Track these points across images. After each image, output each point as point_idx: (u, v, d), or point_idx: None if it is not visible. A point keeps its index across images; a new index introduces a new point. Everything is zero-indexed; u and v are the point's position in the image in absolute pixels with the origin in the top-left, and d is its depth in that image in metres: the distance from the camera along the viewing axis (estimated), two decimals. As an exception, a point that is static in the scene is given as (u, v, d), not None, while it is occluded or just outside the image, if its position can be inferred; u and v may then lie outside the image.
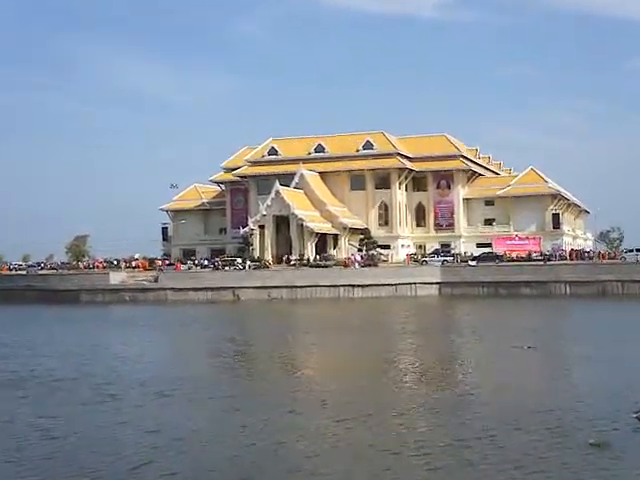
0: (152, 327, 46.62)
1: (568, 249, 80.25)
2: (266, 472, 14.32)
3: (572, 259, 72.44)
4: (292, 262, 77.06)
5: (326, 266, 73.47)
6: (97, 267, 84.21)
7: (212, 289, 70.54)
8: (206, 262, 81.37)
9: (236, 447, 15.89)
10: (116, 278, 75.57)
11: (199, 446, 16.04)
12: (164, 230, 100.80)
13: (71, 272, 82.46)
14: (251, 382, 23.79)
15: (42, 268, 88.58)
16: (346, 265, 73.35)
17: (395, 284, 67.99)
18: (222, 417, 18.73)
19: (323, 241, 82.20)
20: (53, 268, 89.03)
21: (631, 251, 72.97)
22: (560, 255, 74.44)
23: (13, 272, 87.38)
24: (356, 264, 73.64)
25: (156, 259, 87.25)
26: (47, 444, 16.73)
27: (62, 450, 16.19)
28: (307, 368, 27.13)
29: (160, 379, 24.50)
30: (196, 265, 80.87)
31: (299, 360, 29.54)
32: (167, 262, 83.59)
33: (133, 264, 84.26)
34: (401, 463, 14.55)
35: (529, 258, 72.39)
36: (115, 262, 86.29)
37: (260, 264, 76.02)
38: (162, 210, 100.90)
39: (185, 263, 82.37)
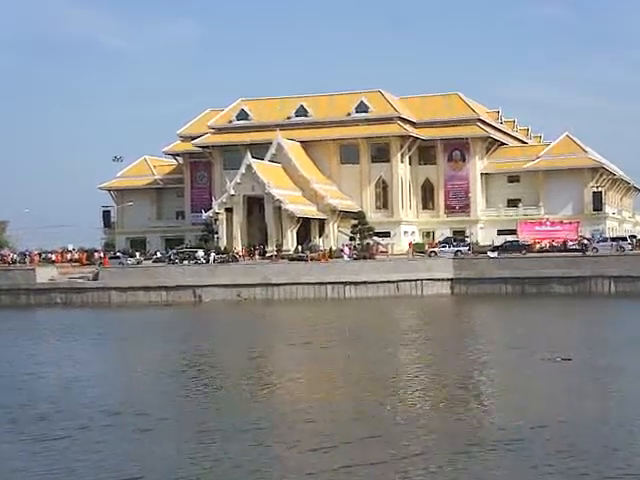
0: (93, 338, 46.59)
1: (613, 236, 79.78)
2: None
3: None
4: (268, 254, 77.35)
5: (311, 259, 73.87)
6: (32, 262, 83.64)
7: (167, 288, 70.99)
8: (159, 255, 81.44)
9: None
10: (44, 275, 75.73)
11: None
12: (106, 215, 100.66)
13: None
14: (228, 412, 23.57)
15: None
16: (324, 258, 73.74)
17: (396, 281, 68.50)
18: (203, 459, 18.42)
19: (306, 228, 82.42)
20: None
21: (605, 240, 73.84)
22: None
23: None
24: (345, 256, 74.07)
25: (96, 251, 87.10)
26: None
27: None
28: (296, 394, 26.96)
29: (117, 406, 24.66)
30: (147, 259, 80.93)
31: (285, 383, 29.40)
32: (100, 255, 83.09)
33: (52, 256, 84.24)
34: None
35: (564, 248, 72.75)
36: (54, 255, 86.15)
37: (227, 257, 76.26)
38: (103, 189, 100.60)
39: (132, 255, 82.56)
